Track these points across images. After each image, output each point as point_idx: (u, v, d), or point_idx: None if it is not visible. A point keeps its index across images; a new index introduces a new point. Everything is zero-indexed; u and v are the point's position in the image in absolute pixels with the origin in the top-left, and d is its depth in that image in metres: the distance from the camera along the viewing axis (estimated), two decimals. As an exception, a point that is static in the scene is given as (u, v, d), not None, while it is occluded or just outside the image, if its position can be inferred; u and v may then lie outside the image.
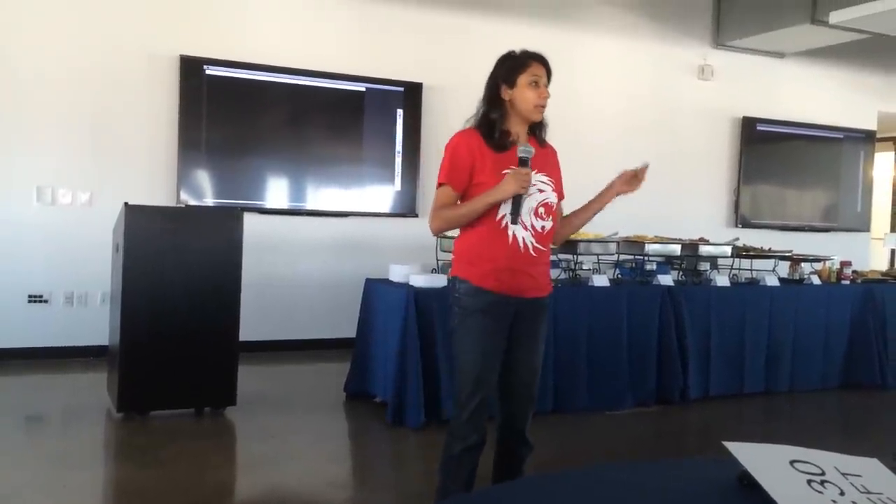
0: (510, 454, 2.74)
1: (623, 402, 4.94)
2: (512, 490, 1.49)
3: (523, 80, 2.59)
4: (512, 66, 2.62)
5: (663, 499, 1.27)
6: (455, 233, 2.73)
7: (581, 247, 4.89)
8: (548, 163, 2.70)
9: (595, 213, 2.81)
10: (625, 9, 7.76)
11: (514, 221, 2.53)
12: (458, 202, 2.63)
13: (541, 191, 2.62)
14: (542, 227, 2.63)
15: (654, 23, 7.88)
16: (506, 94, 2.61)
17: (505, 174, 2.52)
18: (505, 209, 2.54)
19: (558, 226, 2.79)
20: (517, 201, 2.51)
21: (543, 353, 2.78)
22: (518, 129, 2.64)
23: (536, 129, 2.70)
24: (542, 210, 2.62)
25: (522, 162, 2.51)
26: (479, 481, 2.73)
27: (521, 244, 2.58)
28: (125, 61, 5.99)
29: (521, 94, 2.60)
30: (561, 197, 2.78)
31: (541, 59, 2.64)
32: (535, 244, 2.61)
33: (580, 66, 7.50)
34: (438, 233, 2.74)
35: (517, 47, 2.71)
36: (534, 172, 2.57)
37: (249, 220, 4.68)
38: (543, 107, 2.63)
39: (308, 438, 4.27)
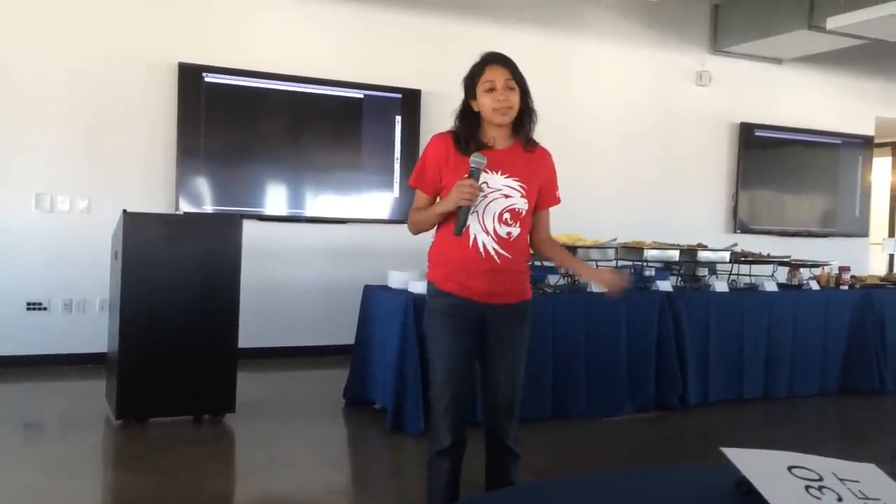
0: (495, 462, 2.73)
1: (622, 409, 4.94)
2: (508, 497, 1.49)
3: (480, 88, 2.56)
4: (470, 76, 2.61)
5: (662, 505, 1.27)
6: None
7: (579, 253, 4.88)
8: (526, 167, 2.62)
9: (568, 266, 2.83)
10: (623, 15, 7.78)
11: (458, 233, 2.51)
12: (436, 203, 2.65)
13: (506, 196, 2.56)
14: (508, 234, 2.57)
15: (652, 29, 7.90)
16: (473, 105, 2.61)
17: (465, 176, 2.52)
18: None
19: (548, 246, 2.78)
20: (462, 213, 2.49)
21: (540, 360, 2.76)
22: (495, 133, 2.61)
23: (522, 133, 2.64)
24: (507, 216, 2.56)
25: (470, 173, 2.48)
26: (478, 487, 2.73)
27: (482, 248, 2.55)
28: (124, 68, 6.00)
29: (480, 102, 2.57)
30: (552, 202, 2.74)
31: (497, 60, 2.57)
32: (499, 249, 2.56)
33: (579, 73, 7.52)
34: (414, 233, 2.74)
35: (513, 53, 2.66)
36: (503, 177, 2.55)
37: (248, 226, 4.68)
38: (503, 109, 2.55)
39: (307, 445, 4.27)
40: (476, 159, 2.48)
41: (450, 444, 2.61)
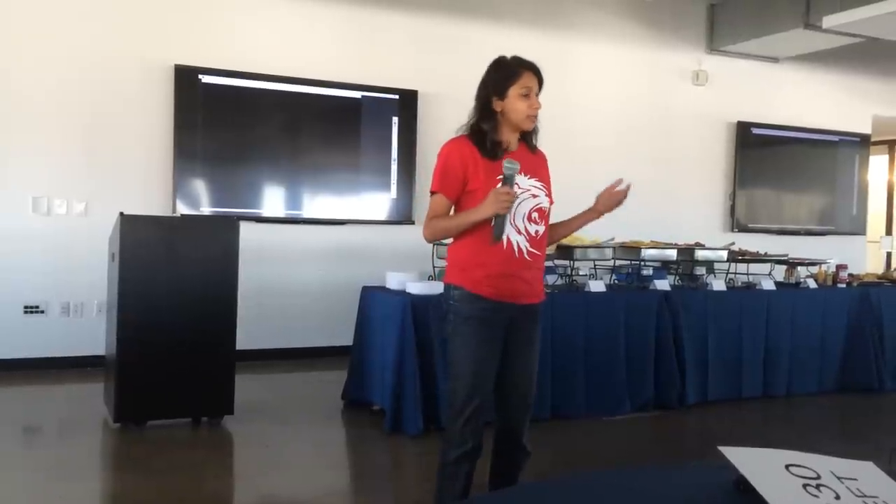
0: (507, 461, 2.73)
1: (621, 408, 4.94)
2: (510, 496, 1.49)
3: (514, 91, 2.58)
4: (502, 77, 2.61)
5: (660, 504, 1.27)
6: (449, 239, 2.73)
7: (577, 252, 4.89)
8: (539, 167, 2.70)
9: (577, 229, 2.85)
10: (620, 15, 7.78)
11: (497, 240, 2.53)
12: (453, 209, 2.65)
13: (534, 195, 2.62)
14: (536, 232, 2.63)
15: (648, 29, 7.91)
16: (497, 105, 2.61)
17: (498, 180, 2.54)
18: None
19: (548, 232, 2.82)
20: (500, 221, 2.50)
21: (539, 360, 2.77)
22: (509, 136, 2.65)
23: (527, 136, 2.70)
24: (535, 215, 2.62)
25: (506, 180, 2.50)
26: (476, 488, 2.72)
27: (516, 249, 2.58)
28: (120, 71, 5.99)
29: (512, 105, 2.59)
30: (552, 200, 2.79)
31: (532, 69, 2.62)
32: (530, 248, 2.61)
33: (576, 73, 7.52)
34: (431, 241, 2.73)
35: (510, 53, 2.70)
36: (527, 178, 2.59)
37: (246, 228, 4.67)
38: (534, 117, 2.63)
39: (306, 447, 4.27)
40: (509, 165, 2.51)
41: (472, 448, 2.63)
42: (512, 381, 2.69)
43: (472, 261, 2.61)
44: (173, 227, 4.66)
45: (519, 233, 2.58)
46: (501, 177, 2.54)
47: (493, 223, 2.51)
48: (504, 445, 2.74)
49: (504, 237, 2.56)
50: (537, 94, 2.63)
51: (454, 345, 2.64)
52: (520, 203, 2.57)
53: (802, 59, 8.47)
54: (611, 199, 2.80)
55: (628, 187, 2.77)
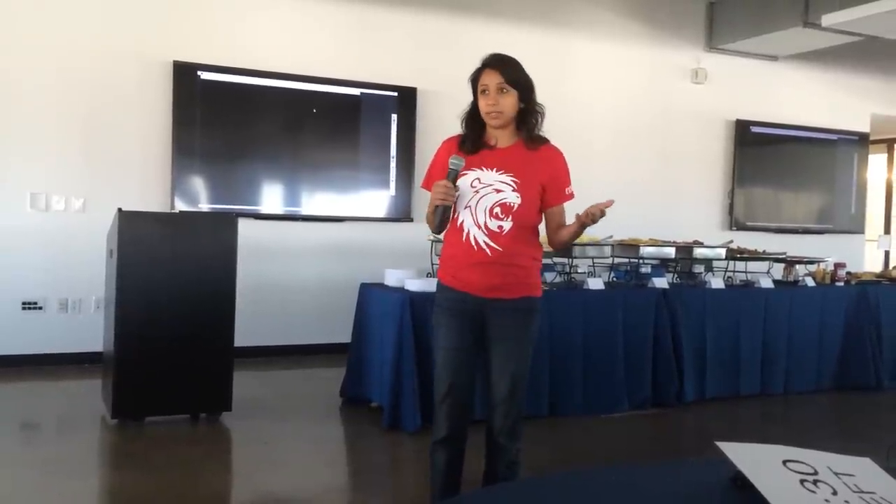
0: (489, 458, 2.74)
1: (619, 406, 4.94)
2: (508, 493, 1.49)
3: (478, 90, 2.66)
4: (471, 80, 2.69)
5: (658, 500, 1.27)
6: None
7: (576, 250, 4.89)
8: (524, 164, 2.64)
9: (574, 235, 2.69)
10: (619, 13, 7.78)
11: (437, 231, 2.65)
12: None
13: (498, 191, 2.61)
14: (500, 227, 2.59)
15: (647, 27, 7.90)
16: (477, 106, 2.70)
17: (463, 174, 2.63)
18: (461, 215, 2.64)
19: (558, 235, 2.75)
20: (440, 212, 2.60)
21: (529, 358, 2.72)
22: (496, 133, 2.68)
23: (525, 132, 2.67)
24: (497, 210, 2.60)
25: (448, 174, 2.57)
26: (475, 485, 2.72)
27: (474, 242, 2.61)
28: (118, 67, 5.98)
29: (479, 104, 2.66)
30: (560, 199, 2.72)
31: (491, 64, 2.64)
32: (490, 243, 2.59)
33: (575, 71, 7.51)
34: (434, 232, 2.80)
35: (509, 51, 2.72)
36: (495, 172, 2.61)
37: (244, 225, 4.67)
38: (495, 113, 2.61)
39: (304, 444, 4.27)
40: (454, 161, 2.57)
41: (445, 435, 2.66)
42: (489, 380, 2.70)
43: (445, 253, 2.75)
44: (172, 224, 4.66)
45: (478, 227, 2.61)
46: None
47: (437, 215, 2.62)
48: (487, 443, 2.75)
49: (465, 230, 2.61)
50: (504, 90, 2.60)
51: (433, 333, 2.76)
52: (481, 197, 2.60)
53: (801, 58, 8.47)
54: (592, 215, 2.54)
55: (609, 203, 2.51)
